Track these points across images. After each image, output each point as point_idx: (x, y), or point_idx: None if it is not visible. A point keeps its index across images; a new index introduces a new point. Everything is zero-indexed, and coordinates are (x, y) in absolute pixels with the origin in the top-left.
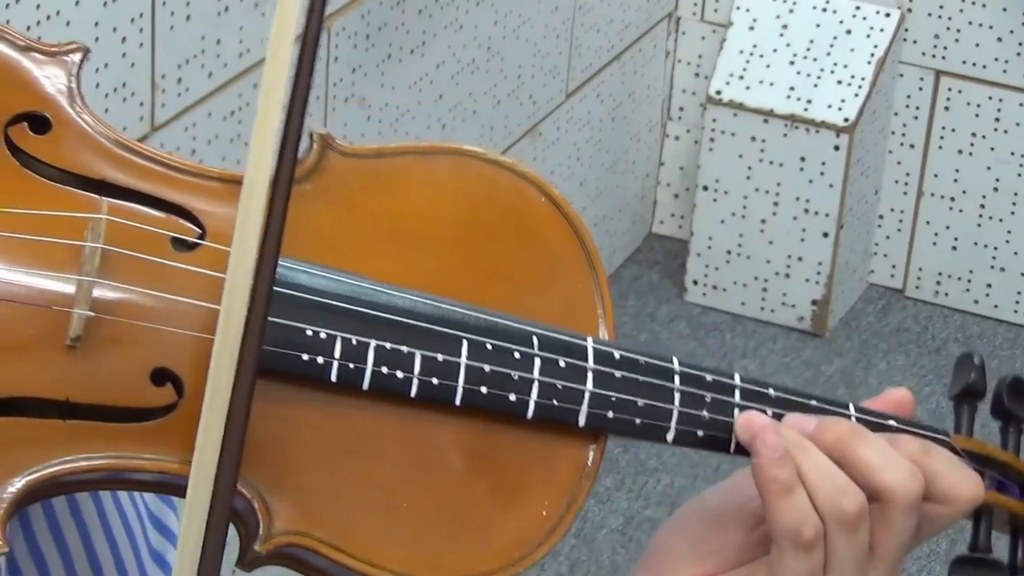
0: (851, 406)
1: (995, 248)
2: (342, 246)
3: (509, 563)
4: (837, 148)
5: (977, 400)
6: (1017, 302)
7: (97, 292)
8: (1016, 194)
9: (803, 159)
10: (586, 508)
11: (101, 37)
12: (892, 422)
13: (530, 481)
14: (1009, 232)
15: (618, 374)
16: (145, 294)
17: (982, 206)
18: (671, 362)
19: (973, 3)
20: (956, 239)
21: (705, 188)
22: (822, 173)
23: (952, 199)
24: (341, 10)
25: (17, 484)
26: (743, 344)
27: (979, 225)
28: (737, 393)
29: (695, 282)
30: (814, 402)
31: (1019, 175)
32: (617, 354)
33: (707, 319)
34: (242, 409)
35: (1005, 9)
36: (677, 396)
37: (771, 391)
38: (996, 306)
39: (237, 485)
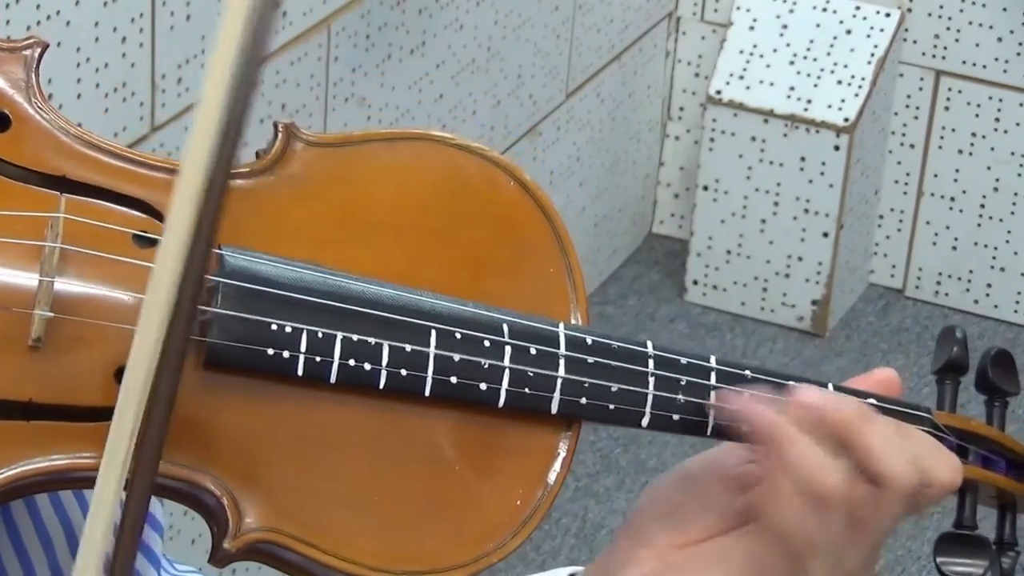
0: (831, 386)
1: (995, 248)
2: (307, 236)
3: (483, 554)
4: (837, 148)
5: (960, 375)
6: (1017, 302)
7: (57, 291)
8: (1016, 194)
9: (803, 159)
10: (586, 508)
11: (101, 37)
12: (872, 400)
13: (503, 471)
14: (1009, 232)
15: (591, 360)
16: (105, 292)
17: (982, 206)
18: (645, 346)
19: (973, 3)
20: (956, 239)
21: (705, 188)
22: (822, 173)
23: (952, 199)
24: (341, 10)
25: None
26: (743, 344)
27: (979, 225)
28: (713, 376)
29: (695, 282)
30: (792, 383)
31: (1019, 175)
32: (589, 339)
33: (707, 319)
34: (164, 404)
35: (1005, 9)
36: (651, 380)
37: (747, 372)
38: (996, 306)
39: (157, 482)
